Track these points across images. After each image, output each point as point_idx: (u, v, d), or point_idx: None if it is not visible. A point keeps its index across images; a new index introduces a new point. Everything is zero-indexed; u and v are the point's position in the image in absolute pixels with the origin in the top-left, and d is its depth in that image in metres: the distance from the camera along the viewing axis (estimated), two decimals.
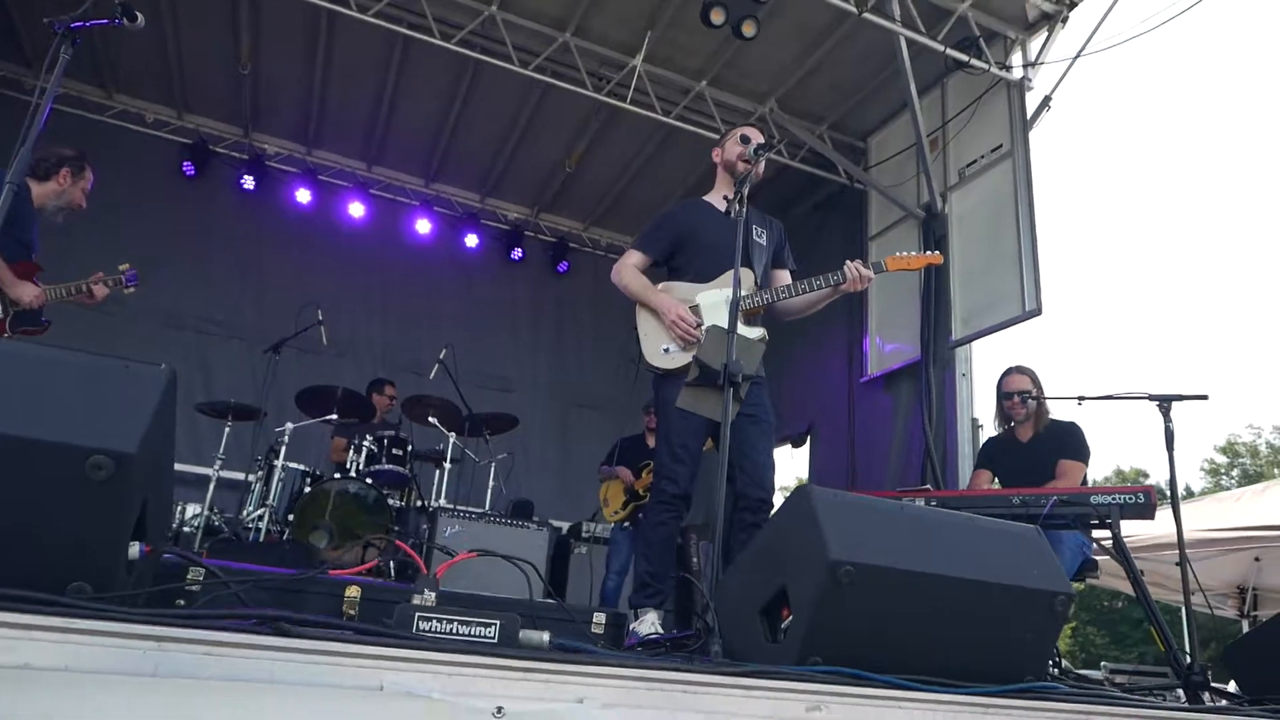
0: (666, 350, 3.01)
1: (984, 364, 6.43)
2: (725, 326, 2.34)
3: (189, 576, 1.57)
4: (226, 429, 5.73)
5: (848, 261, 3.12)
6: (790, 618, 1.83)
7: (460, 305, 8.54)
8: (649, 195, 8.36)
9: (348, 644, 1.23)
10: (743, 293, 2.97)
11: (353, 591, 1.83)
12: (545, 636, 1.59)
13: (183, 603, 1.63)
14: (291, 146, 8.22)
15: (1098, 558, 4.01)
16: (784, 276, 3.32)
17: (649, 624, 2.76)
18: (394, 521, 5.35)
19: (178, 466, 7.33)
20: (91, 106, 7.44)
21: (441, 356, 6.13)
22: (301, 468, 5.61)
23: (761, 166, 2.99)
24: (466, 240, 8.65)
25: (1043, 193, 5.83)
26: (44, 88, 2.43)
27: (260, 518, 5.36)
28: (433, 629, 1.48)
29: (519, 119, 7.64)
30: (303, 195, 8.01)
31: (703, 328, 2.95)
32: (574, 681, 1.34)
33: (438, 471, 5.99)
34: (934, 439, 5.94)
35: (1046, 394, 4.13)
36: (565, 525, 6.96)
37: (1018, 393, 4.12)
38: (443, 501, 5.85)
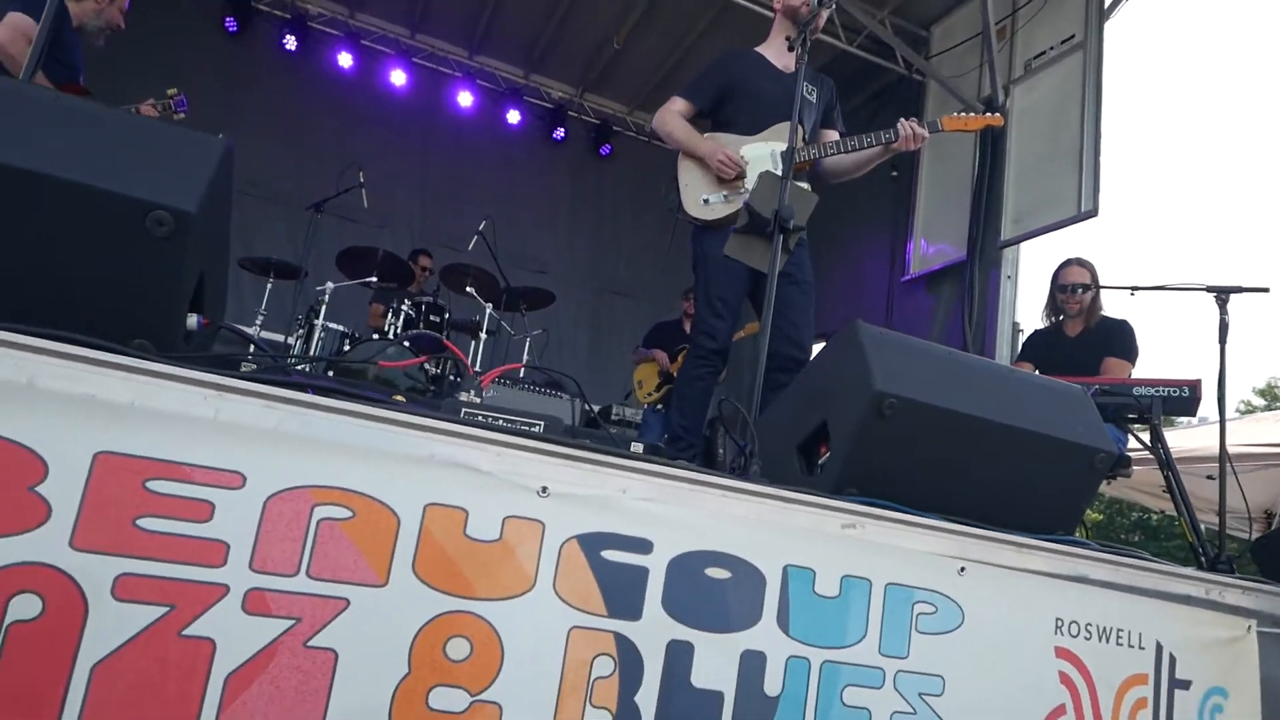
0: (706, 201, 2.95)
1: (1030, 267, 6.29)
2: (774, 172, 2.28)
3: (242, 364, 1.61)
4: (268, 286, 5.80)
5: (902, 119, 3.00)
6: (828, 454, 1.84)
7: (499, 183, 8.45)
8: None
9: (399, 413, 1.25)
10: (786, 147, 2.88)
11: (399, 399, 1.86)
12: (587, 441, 1.61)
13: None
14: (334, 8, 8.01)
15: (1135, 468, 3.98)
16: (832, 137, 3.21)
17: None
18: (429, 383, 5.44)
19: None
20: None
21: (480, 228, 6.10)
22: (341, 328, 5.68)
23: (824, 18, 2.86)
24: (508, 116, 8.49)
25: (1110, 87, 5.54)
26: None
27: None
28: (478, 421, 1.50)
29: None
30: (344, 59, 7.87)
31: (746, 179, 2.88)
32: (618, 474, 1.36)
33: (473, 342, 6.04)
34: (971, 339, 5.87)
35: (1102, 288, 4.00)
36: (596, 408, 7.04)
37: (1075, 284, 3.99)
38: (478, 370, 5.93)
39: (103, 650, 1.03)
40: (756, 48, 3.22)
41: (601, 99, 9.00)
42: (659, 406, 6.08)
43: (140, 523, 1.07)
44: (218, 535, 1.10)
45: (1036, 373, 4.09)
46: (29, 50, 2.92)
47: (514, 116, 8.49)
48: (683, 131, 3.04)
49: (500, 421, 1.50)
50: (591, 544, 1.30)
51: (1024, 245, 6.07)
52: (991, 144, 6.19)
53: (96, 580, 1.04)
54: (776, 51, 3.13)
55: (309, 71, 7.84)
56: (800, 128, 2.94)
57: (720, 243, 2.69)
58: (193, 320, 1.37)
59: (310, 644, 1.12)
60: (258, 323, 5.81)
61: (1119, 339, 3.94)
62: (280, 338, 6.05)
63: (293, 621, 1.12)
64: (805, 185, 2.91)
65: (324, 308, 5.58)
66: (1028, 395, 1.91)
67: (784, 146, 2.79)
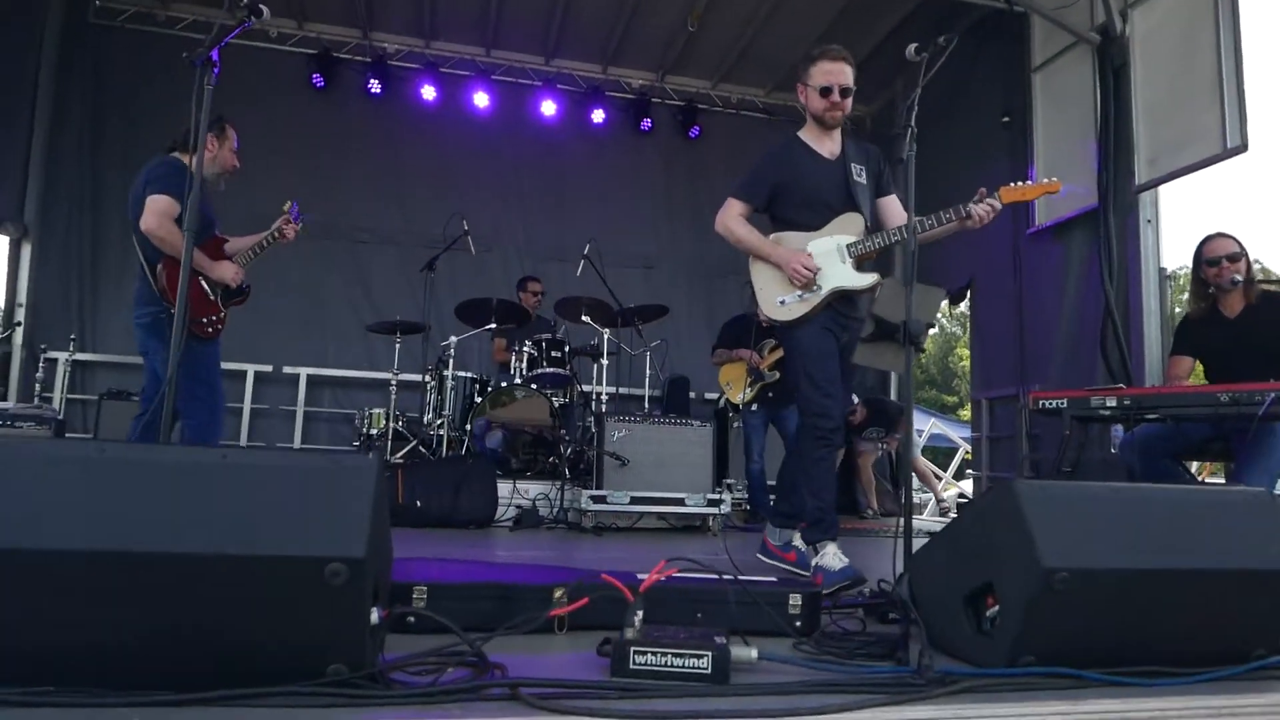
0: (782, 303, 2.93)
1: (1174, 207, 5.82)
2: (896, 279, 2.20)
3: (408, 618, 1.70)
4: (397, 345, 6.07)
5: (972, 203, 2.88)
6: (996, 607, 1.79)
7: (595, 184, 8.47)
8: (778, 44, 7.81)
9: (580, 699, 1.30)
10: (850, 239, 2.90)
11: (559, 592, 1.94)
12: (754, 653, 1.63)
13: (411, 619, 1.78)
14: (410, 42, 8.13)
15: None
16: (891, 204, 3.10)
17: (832, 555, 2.79)
18: (560, 421, 5.61)
19: (361, 373, 7.76)
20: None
21: (585, 252, 6.17)
22: (469, 375, 5.93)
23: (849, 105, 2.94)
24: (593, 116, 8.45)
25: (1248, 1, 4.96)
26: (197, 120, 2.54)
27: (439, 425, 5.76)
28: (648, 663, 1.55)
29: None
30: (428, 92, 8.01)
31: (817, 276, 2.85)
32: None
33: (595, 365, 6.16)
34: (1115, 296, 5.49)
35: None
36: (723, 398, 7.03)
37: (1226, 256, 3.61)
38: (603, 390, 6.07)
39: None
40: (798, 133, 3.10)
41: (683, 79, 8.81)
42: (755, 406, 5.93)
43: None
44: None
45: (1196, 363, 3.78)
46: (174, 227, 3.20)
47: (598, 115, 8.44)
48: (751, 238, 3.03)
49: (668, 658, 1.54)
50: None
51: (1163, 186, 5.60)
52: (1114, 77, 5.70)
53: None
54: (815, 135, 3.04)
55: (397, 111, 8.04)
56: (860, 216, 2.95)
57: (809, 334, 2.88)
58: (374, 616, 1.46)
59: None
60: (394, 374, 6.07)
61: None
62: (416, 376, 6.35)
63: None
64: (870, 278, 2.90)
65: (451, 359, 5.83)
66: (1206, 520, 1.79)
67: (849, 239, 2.89)
